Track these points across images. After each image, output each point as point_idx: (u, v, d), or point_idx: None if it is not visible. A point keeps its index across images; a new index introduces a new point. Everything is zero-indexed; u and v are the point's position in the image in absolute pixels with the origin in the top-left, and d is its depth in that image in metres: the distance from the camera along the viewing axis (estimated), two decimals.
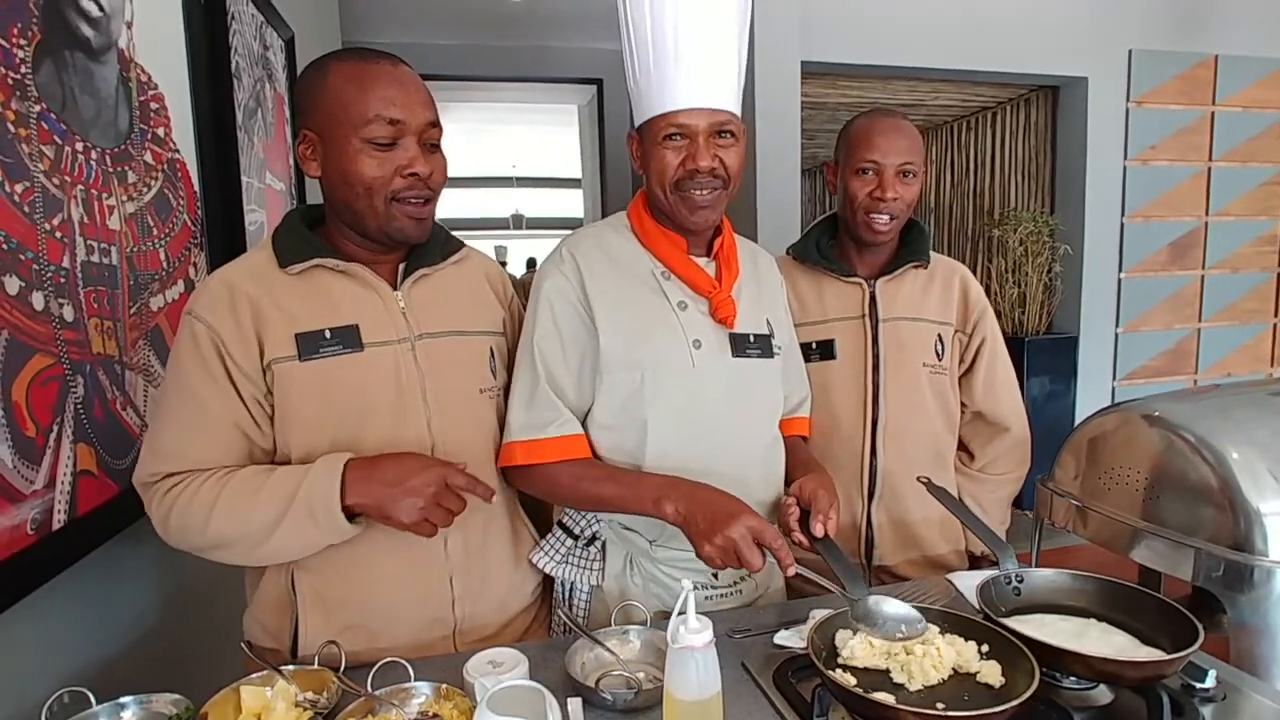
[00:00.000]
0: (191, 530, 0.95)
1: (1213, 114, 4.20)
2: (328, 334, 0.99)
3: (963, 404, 1.46)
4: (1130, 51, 4.00)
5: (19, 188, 0.93)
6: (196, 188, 1.52)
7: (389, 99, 0.97)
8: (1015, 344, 4.08)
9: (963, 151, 4.96)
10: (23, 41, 0.96)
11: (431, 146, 1.03)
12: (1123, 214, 4.13)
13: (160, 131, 1.37)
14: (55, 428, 0.99)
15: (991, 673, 0.85)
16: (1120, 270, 4.17)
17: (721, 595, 1.16)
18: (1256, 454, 1.14)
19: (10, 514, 0.89)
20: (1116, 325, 4.22)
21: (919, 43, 3.66)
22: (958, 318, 1.43)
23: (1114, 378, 4.25)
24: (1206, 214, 4.27)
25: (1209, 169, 4.23)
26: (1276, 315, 4.46)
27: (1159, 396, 1.36)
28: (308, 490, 0.93)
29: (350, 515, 0.95)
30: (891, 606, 0.92)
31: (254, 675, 0.93)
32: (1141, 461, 1.27)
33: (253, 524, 0.94)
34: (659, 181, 1.09)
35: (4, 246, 0.90)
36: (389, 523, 0.95)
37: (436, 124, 1.02)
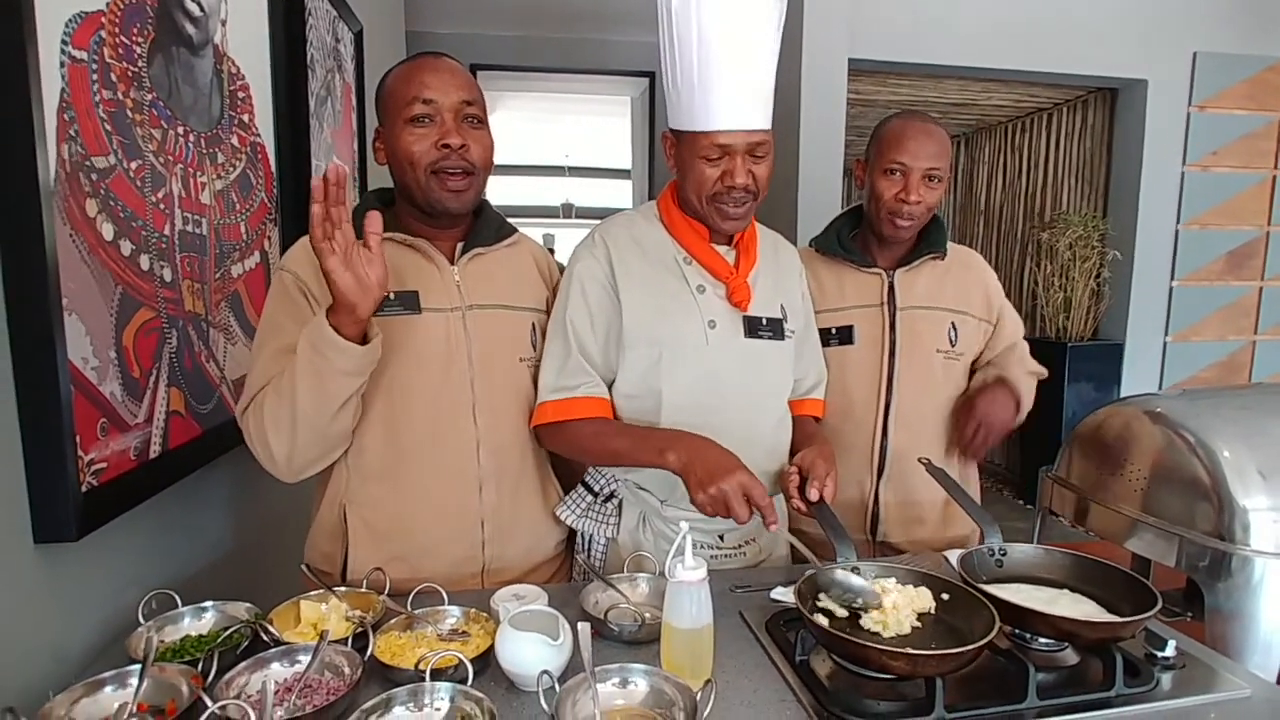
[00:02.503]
0: (268, 435, 1.06)
1: None
2: (391, 296, 1.14)
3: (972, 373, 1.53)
4: (1195, 54, 3.90)
5: (133, 165, 1.09)
6: (273, 169, 1.68)
7: (424, 83, 1.13)
8: (1058, 349, 4.06)
9: (1015, 153, 4.90)
10: (140, 39, 1.12)
11: (473, 125, 1.16)
12: (1178, 220, 4.04)
13: (245, 118, 1.53)
14: (154, 371, 1.15)
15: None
16: (1173, 278, 4.09)
17: (727, 555, 1.27)
18: (1247, 452, 1.19)
19: (119, 440, 1.05)
20: (1166, 334, 4.14)
21: (972, 43, 3.64)
22: (980, 307, 1.51)
23: (1160, 387, 4.17)
24: (1269, 223, 4.14)
25: (1274, 177, 4.11)
26: None
27: (1162, 395, 1.40)
28: (306, 336, 1.02)
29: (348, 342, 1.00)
30: (854, 580, 1.00)
31: (312, 592, 1.08)
32: (1141, 456, 1.32)
33: (285, 394, 1.03)
34: (695, 191, 1.18)
35: (121, 215, 1.06)
36: (337, 291, 0.98)
37: (473, 102, 1.16)
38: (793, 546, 1.05)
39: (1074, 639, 0.95)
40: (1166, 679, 0.94)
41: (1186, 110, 3.95)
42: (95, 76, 1.00)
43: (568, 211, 9.02)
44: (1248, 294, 4.18)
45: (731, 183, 1.15)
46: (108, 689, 0.85)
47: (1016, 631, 0.99)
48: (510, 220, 1.33)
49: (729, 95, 1.12)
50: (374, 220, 1.01)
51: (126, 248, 1.07)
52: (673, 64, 1.18)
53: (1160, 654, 0.96)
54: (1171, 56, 3.88)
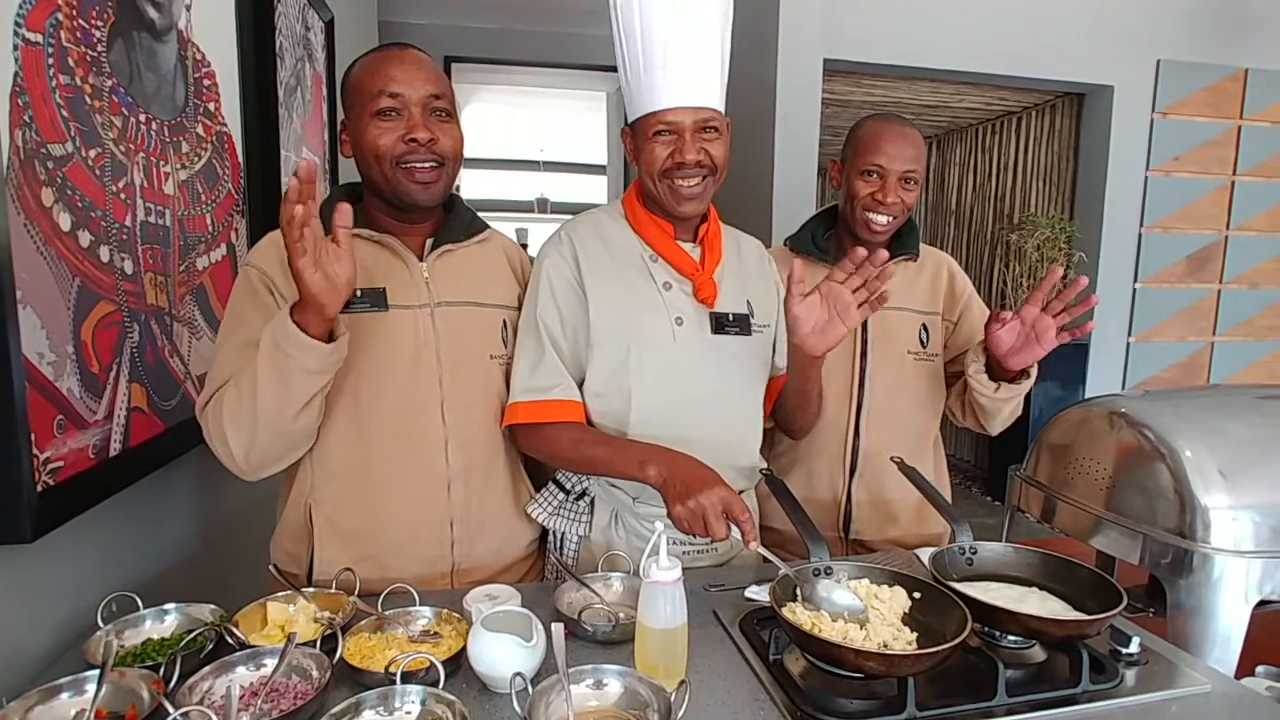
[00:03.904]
0: (226, 432, 1.02)
1: (1239, 128, 4.18)
2: (358, 293, 1.11)
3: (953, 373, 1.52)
4: (1159, 62, 4.00)
5: (92, 153, 1.06)
6: (240, 159, 1.64)
7: (390, 76, 1.10)
8: None
9: (985, 155, 4.97)
10: (99, 23, 1.08)
11: (441, 119, 1.14)
12: (1141, 224, 4.14)
13: (211, 106, 1.49)
14: (114, 367, 1.11)
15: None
16: (1135, 280, 4.19)
17: (700, 551, 1.27)
18: (1208, 452, 1.22)
19: (76, 438, 1.01)
20: (1129, 335, 4.25)
21: (945, 45, 3.69)
22: (944, 306, 1.52)
23: (1123, 386, 4.27)
24: (1227, 228, 4.26)
25: (1232, 183, 4.23)
26: None
27: (1127, 395, 1.43)
28: (269, 333, 0.99)
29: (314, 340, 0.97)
30: (841, 596, 0.98)
31: (279, 594, 1.06)
32: (1106, 455, 1.35)
33: (246, 391, 1.00)
34: (649, 172, 1.19)
35: (79, 205, 1.02)
36: (305, 290, 0.94)
37: (440, 95, 1.14)
38: (765, 559, 1.05)
39: (1042, 636, 0.96)
40: (1131, 675, 0.96)
41: (1150, 116, 4.05)
42: (51, 61, 0.96)
43: (542, 206, 8.96)
44: (1207, 296, 4.30)
45: (681, 159, 1.15)
46: (64, 695, 0.82)
47: (986, 629, 1.00)
48: (483, 215, 1.32)
49: (672, 77, 1.14)
50: (344, 213, 0.97)
51: (85, 238, 1.04)
52: (624, 60, 1.20)
53: (1125, 650, 0.98)
54: (1136, 64, 3.97)
